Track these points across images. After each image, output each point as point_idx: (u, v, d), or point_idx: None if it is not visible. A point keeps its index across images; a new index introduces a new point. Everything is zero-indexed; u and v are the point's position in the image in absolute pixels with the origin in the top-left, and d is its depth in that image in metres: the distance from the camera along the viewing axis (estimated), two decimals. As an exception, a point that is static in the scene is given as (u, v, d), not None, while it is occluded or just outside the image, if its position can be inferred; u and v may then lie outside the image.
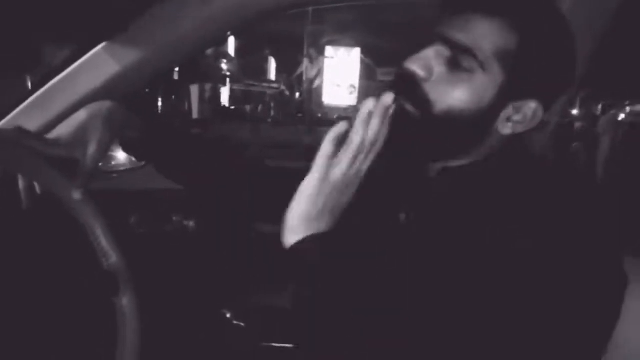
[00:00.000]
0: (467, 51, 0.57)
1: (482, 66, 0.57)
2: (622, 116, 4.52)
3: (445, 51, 0.59)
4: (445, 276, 0.56)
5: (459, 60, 0.58)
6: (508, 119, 0.60)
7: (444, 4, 0.61)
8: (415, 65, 0.59)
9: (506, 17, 0.57)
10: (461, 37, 0.57)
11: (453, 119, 0.58)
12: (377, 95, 0.58)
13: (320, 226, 0.57)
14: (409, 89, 0.59)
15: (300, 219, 0.57)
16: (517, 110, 0.60)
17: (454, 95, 0.58)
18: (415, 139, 0.60)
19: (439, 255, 0.59)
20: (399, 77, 0.61)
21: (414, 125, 0.59)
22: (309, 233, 0.56)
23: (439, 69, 0.59)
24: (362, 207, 0.74)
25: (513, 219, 0.55)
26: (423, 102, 0.59)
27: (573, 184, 0.60)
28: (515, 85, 0.58)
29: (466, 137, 0.61)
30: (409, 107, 0.59)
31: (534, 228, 0.53)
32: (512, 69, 0.57)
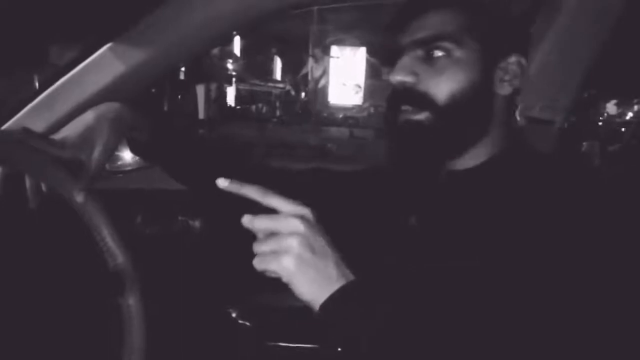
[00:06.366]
0: (438, 39, 0.61)
1: (457, 44, 0.61)
2: (630, 114, 4.50)
3: (418, 52, 0.63)
4: (475, 280, 0.55)
5: (434, 51, 0.62)
6: (501, 80, 0.63)
7: (396, 18, 0.65)
8: (400, 75, 0.63)
9: (452, 3, 0.62)
10: (425, 33, 0.62)
11: (460, 102, 0.61)
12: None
13: (333, 286, 0.52)
14: (407, 97, 0.63)
15: (310, 288, 0.52)
16: (505, 70, 0.63)
17: (448, 80, 0.61)
18: (436, 136, 0.62)
19: (459, 257, 0.58)
20: (393, 92, 0.65)
21: (429, 126, 0.62)
22: (326, 296, 0.52)
23: (421, 68, 0.63)
24: (373, 211, 0.74)
25: (527, 220, 0.54)
26: (426, 102, 0.61)
27: (589, 183, 0.59)
28: (492, 49, 0.62)
29: (478, 111, 0.63)
30: (417, 113, 0.62)
31: (550, 229, 0.53)
32: (482, 36, 0.62)
